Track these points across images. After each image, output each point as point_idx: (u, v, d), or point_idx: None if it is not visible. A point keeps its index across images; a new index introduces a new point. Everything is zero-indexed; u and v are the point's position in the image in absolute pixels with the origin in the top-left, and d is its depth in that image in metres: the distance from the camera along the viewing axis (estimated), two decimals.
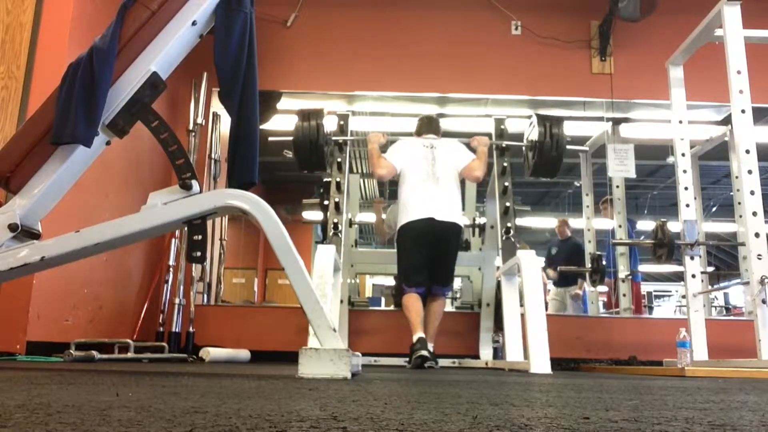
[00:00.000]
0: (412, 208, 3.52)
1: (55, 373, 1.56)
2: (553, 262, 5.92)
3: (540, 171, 3.75)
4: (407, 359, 3.33)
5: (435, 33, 4.87)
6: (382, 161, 3.62)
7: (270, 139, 3.93)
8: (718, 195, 9.29)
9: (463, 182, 3.75)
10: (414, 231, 3.49)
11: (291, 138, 3.67)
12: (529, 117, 3.90)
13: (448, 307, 7.02)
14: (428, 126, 3.83)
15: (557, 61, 4.77)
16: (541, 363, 2.70)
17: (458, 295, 6.37)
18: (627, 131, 5.24)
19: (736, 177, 2.99)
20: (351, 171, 4.24)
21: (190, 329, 4.18)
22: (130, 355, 3.19)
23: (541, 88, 4.77)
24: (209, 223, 1.76)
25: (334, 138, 3.85)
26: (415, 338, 3.29)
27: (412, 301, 3.44)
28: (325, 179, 4.01)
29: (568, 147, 3.70)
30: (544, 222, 11.25)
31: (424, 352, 3.16)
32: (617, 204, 5.21)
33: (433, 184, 3.52)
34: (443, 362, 3.68)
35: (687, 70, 3.54)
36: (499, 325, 3.91)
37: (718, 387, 1.47)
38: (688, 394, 1.09)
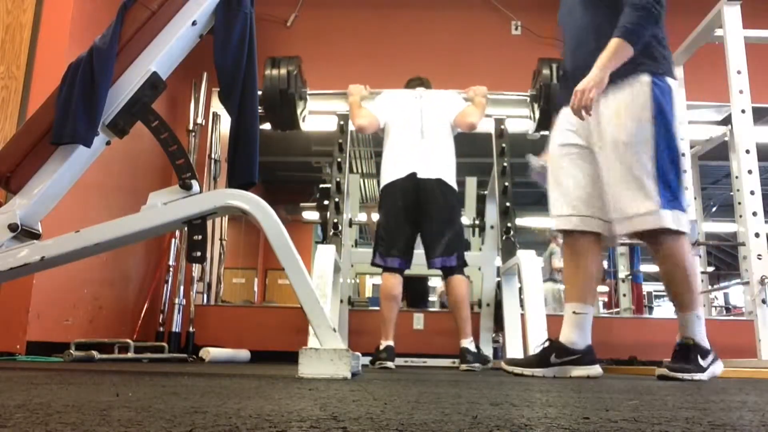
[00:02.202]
0: (392, 165, 3.14)
1: (55, 373, 1.56)
2: None
3: (547, 123, 3.33)
4: (374, 357, 3.04)
5: (435, 33, 4.87)
6: (362, 111, 3.26)
7: None
8: (718, 195, 9.29)
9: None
10: (393, 191, 3.09)
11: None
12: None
13: (437, 306, 7.00)
14: (419, 81, 3.47)
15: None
16: None
17: None
18: None
19: (736, 177, 2.99)
20: (351, 171, 4.24)
21: (190, 329, 4.18)
22: (130, 355, 3.19)
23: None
24: (209, 223, 1.76)
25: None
26: (382, 345, 2.99)
27: (390, 288, 3.05)
28: (323, 182, 3.95)
29: None
30: (545, 222, 11.25)
31: (390, 364, 2.89)
32: None
33: (418, 138, 3.13)
34: (443, 362, 3.67)
35: (687, 70, 3.54)
36: (499, 325, 3.90)
37: (718, 387, 1.47)
38: (688, 394, 1.09)
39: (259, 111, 3.17)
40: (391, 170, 3.14)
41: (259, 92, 3.22)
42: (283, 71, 3.23)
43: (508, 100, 4.93)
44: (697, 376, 2.01)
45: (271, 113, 3.30)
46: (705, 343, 2.10)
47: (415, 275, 4.41)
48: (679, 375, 2.00)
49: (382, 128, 3.29)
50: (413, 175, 3.07)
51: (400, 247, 3.09)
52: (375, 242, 3.21)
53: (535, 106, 3.58)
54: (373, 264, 3.17)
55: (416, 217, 3.11)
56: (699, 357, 2.05)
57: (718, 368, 2.09)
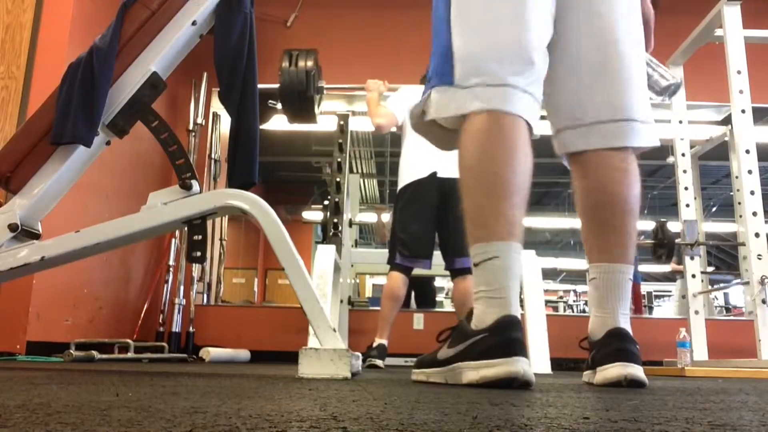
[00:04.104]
0: (412, 165, 3.14)
1: (55, 373, 1.56)
2: None
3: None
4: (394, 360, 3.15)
5: None
6: (380, 110, 3.26)
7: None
8: (718, 195, 9.29)
9: None
10: (415, 192, 3.10)
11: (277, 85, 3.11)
12: None
13: (447, 307, 6.98)
14: None
15: None
16: (541, 363, 2.70)
17: None
18: None
19: (736, 177, 2.99)
20: (351, 171, 4.23)
21: (190, 329, 4.18)
22: (130, 355, 3.19)
23: None
24: (209, 223, 1.76)
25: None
26: (376, 343, 3.04)
27: (396, 288, 3.06)
28: (323, 182, 3.92)
29: None
30: (544, 222, 11.26)
31: (379, 363, 2.93)
32: None
33: None
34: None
35: (687, 70, 3.54)
36: None
37: (718, 387, 1.47)
38: (688, 394, 1.09)
39: (277, 105, 3.12)
40: (412, 170, 3.14)
41: (275, 86, 3.15)
42: (302, 68, 3.15)
43: None
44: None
45: (290, 111, 3.23)
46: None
47: (421, 276, 4.38)
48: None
49: (401, 126, 3.27)
50: (434, 174, 3.08)
51: (425, 249, 3.10)
52: (393, 242, 3.19)
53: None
54: (393, 264, 3.14)
55: (437, 217, 3.11)
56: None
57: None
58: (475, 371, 1.13)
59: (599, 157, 1.36)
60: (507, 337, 1.12)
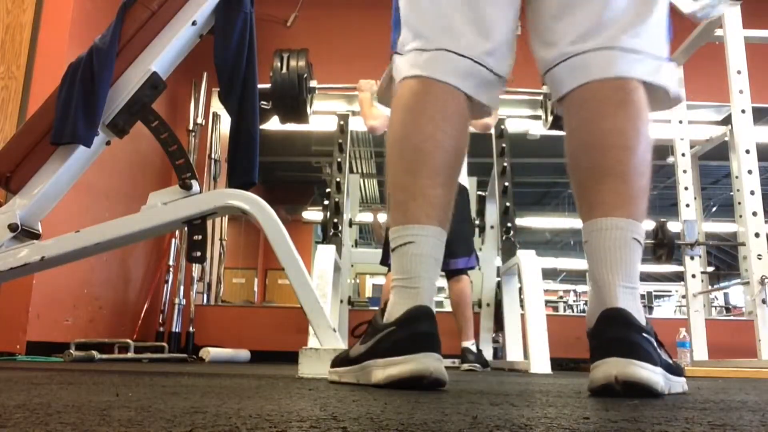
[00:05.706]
0: None
1: (55, 373, 1.56)
2: None
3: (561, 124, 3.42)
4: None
5: None
6: (374, 111, 3.26)
7: None
8: (718, 195, 9.29)
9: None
10: None
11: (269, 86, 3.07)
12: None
13: (447, 307, 6.96)
14: None
15: None
16: (541, 363, 2.69)
17: None
18: None
19: (736, 177, 2.99)
20: (351, 171, 4.24)
21: (190, 329, 4.18)
22: (130, 355, 3.19)
23: (541, 87, 4.77)
24: (209, 223, 1.76)
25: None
26: None
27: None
28: (323, 182, 3.92)
29: None
30: (544, 222, 11.26)
31: None
32: None
33: None
34: (444, 362, 3.66)
35: (687, 70, 3.53)
36: (499, 325, 3.90)
37: (718, 387, 1.47)
38: (688, 394, 1.09)
39: (268, 105, 3.12)
40: None
41: (267, 86, 3.05)
42: (293, 69, 3.13)
43: (508, 101, 4.94)
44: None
45: (282, 113, 3.25)
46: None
47: None
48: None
49: None
50: None
51: None
52: (385, 242, 3.23)
53: (548, 104, 3.56)
54: (385, 264, 3.18)
55: None
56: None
57: None
58: (381, 370, 1.02)
59: (586, 91, 1.11)
60: (414, 330, 1.03)
